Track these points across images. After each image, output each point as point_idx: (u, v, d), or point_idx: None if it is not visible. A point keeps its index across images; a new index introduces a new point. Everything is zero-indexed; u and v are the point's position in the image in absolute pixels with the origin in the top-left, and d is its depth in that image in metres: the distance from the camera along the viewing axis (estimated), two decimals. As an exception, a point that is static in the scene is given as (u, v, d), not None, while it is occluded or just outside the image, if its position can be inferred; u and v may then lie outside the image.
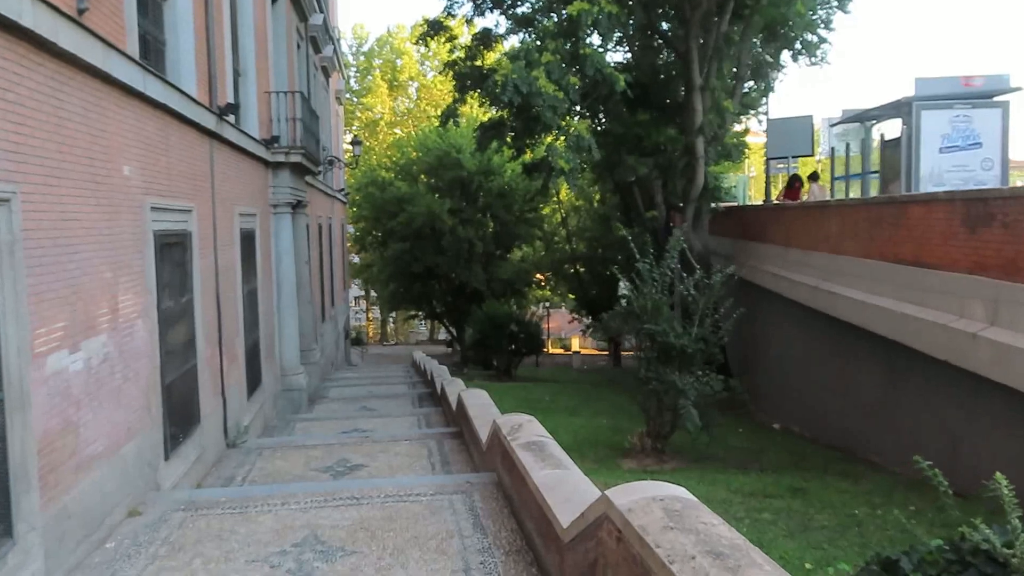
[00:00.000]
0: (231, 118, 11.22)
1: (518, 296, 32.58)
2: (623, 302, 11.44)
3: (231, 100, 11.31)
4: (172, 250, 8.74)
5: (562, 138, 17.50)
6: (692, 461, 10.85)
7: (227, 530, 6.48)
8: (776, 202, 21.03)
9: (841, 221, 14.12)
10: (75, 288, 6.10)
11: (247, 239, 12.75)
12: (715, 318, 11.26)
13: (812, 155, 26.18)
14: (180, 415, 8.61)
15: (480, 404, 10.38)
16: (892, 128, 16.96)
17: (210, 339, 10.00)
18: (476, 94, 20.18)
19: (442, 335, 44.84)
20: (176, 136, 8.86)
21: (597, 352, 37.50)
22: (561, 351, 38.14)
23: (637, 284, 11.46)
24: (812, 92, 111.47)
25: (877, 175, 17.58)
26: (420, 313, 38.72)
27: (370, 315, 52.43)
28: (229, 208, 11.44)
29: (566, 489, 5.50)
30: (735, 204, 25.93)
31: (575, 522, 4.70)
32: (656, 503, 3.88)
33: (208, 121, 10.00)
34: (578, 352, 33.52)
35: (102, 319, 6.61)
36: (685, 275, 11.40)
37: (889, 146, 16.78)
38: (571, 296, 37.42)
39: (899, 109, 15.81)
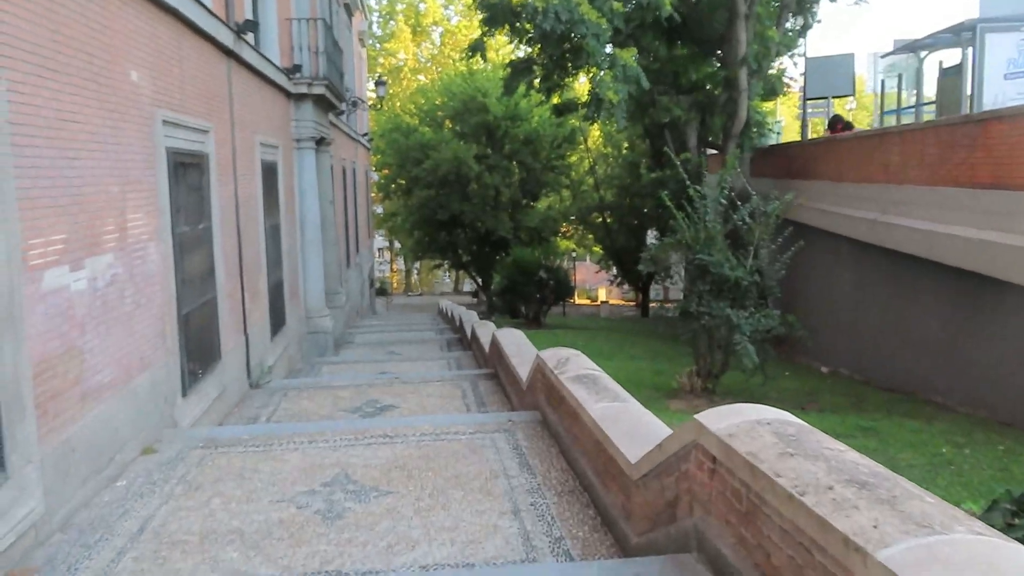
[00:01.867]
0: (250, 38, 10.41)
1: (545, 245, 31.74)
2: (683, 223, 10.46)
3: (249, 17, 10.49)
4: (188, 172, 8.04)
5: (608, 70, 16.40)
6: (746, 402, 10.03)
7: (249, 469, 5.86)
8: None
9: (903, 149, 13.08)
10: (76, 199, 5.42)
11: (269, 172, 12.04)
12: (772, 249, 10.41)
13: (852, 95, 24.94)
14: (199, 350, 7.99)
15: (516, 343, 9.68)
16: (949, 57, 15.84)
17: (230, 272, 9.35)
18: (505, 28, 19.11)
19: (467, 286, 44.25)
20: (190, 48, 8.09)
21: (624, 303, 36.68)
22: (588, 302, 37.35)
23: (688, 214, 10.59)
24: (849, 32, 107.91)
25: (932, 107, 16.46)
26: (445, 263, 38.03)
27: (394, 266, 51.88)
28: (249, 136, 10.71)
29: (628, 423, 4.80)
30: (776, 144, 24.76)
31: (648, 456, 4.00)
32: (762, 427, 3.16)
33: (225, 37, 9.20)
34: (605, 302, 32.71)
35: (109, 237, 5.94)
36: (739, 203, 10.50)
37: (947, 75, 15.66)
38: (596, 249, 36.52)
39: (959, 34, 14.64)
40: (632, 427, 4.71)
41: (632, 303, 35.98)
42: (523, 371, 8.14)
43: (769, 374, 10.46)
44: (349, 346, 16.97)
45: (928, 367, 11.71)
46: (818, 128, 27.31)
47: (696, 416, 3.42)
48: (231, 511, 5.04)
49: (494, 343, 10.44)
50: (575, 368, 6.23)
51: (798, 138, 26.83)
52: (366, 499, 5.19)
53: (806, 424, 3.32)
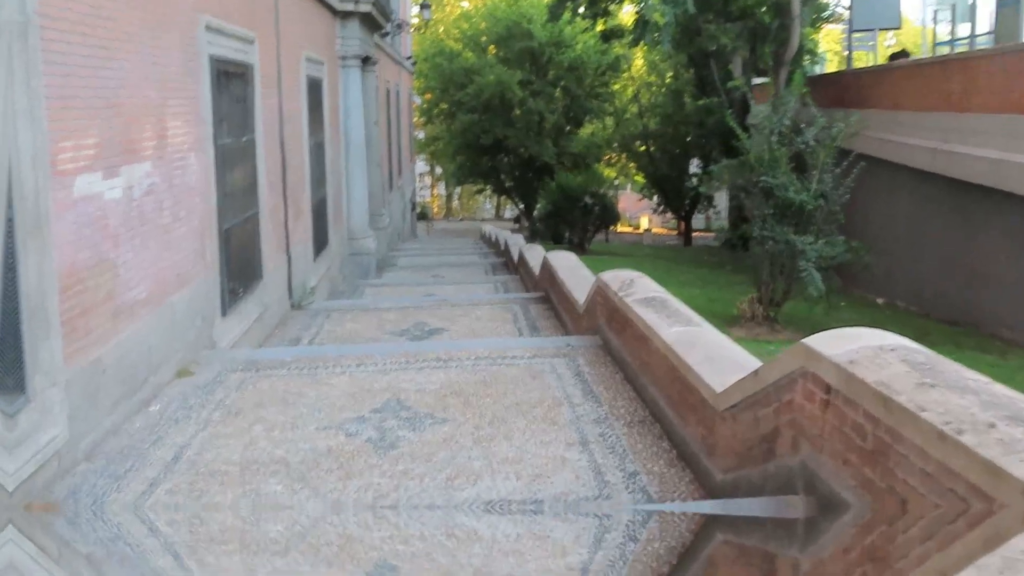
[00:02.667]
0: (290, -58, 9.63)
1: (589, 172, 30.76)
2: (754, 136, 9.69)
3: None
4: (231, 82, 7.44)
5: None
6: (808, 331, 9.35)
7: (293, 393, 5.41)
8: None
9: (966, 76, 12.20)
10: (111, 102, 4.86)
11: (314, 88, 11.40)
12: (836, 172, 9.62)
13: (899, 27, 23.50)
14: (240, 267, 7.52)
15: (569, 266, 9.07)
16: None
17: (273, 188, 8.81)
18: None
19: (508, 212, 43.49)
20: (230, -50, 7.39)
21: (667, 232, 35.69)
22: (630, 230, 36.37)
23: (752, 134, 9.80)
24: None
25: (986, 39, 15.40)
26: (487, 188, 37.24)
27: (435, 191, 51.19)
28: (295, 50, 10.05)
29: (707, 348, 4.22)
30: (827, 72, 23.55)
31: (738, 385, 3.42)
32: (889, 353, 2.59)
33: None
34: (649, 230, 31.78)
35: (146, 144, 5.40)
36: (803, 125, 9.74)
37: (1005, 4, 14.49)
38: (638, 178, 35.46)
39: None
40: (712, 353, 4.13)
41: (674, 232, 35.01)
42: (579, 294, 7.56)
43: (831, 303, 9.78)
44: (392, 269, 16.54)
45: (994, 301, 10.94)
46: (864, 61, 25.94)
47: (805, 341, 2.85)
48: (274, 439, 4.59)
49: (546, 266, 9.85)
50: (641, 291, 5.62)
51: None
52: (421, 427, 4.70)
53: (932, 351, 2.73)
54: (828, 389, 2.72)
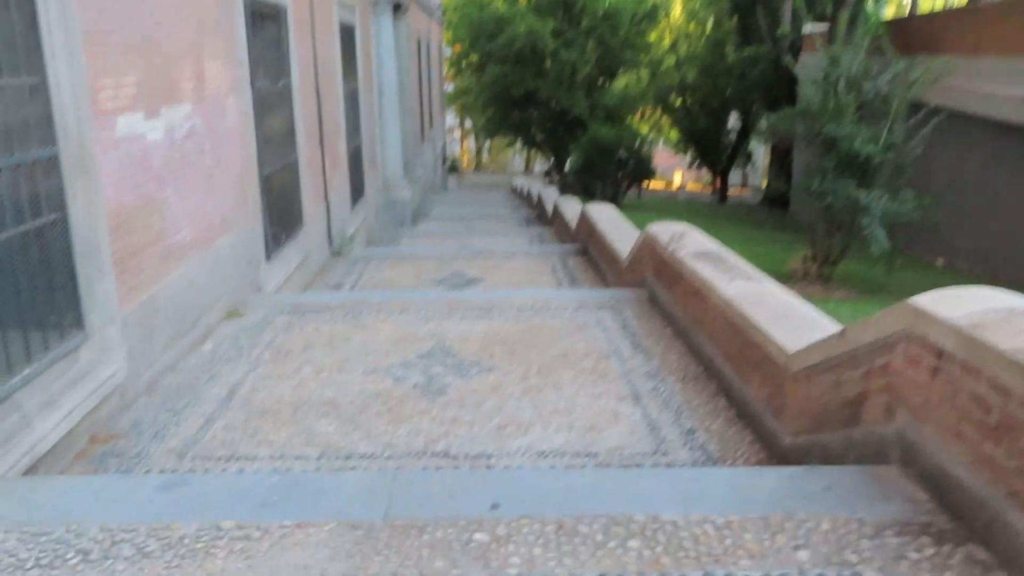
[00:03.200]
0: None
1: (622, 126, 30.20)
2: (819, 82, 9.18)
3: None
4: (266, 24, 7.31)
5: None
6: (864, 292, 9.17)
7: (339, 337, 5.40)
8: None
9: None
10: (149, 40, 4.77)
11: (347, 34, 11.20)
12: (907, 126, 9.19)
13: None
14: (281, 214, 7.49)
15: (610, 219, 8.94)
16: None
17: (310, 135, 8.73)
18: None
19: (538, 167, 43.09)
20: None
21: (701, 188, 35.11)
22: (662, 186, 35.82)
23: (804, 84, 9.41)
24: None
25: None
26: (517, 141, 36.81)
27: (464, 144, 50.81)
28: (327, -8, 9.85)
29: (774, 306, 4.08)
30: (894, 18, 22.46)
31: (820, 346, 3.26)
32: (1021, 317, 2.39)
33: None
34: (683, 186, 31.21)
35: (185, 85, 5.32)
36: (873, 72, 9.25)
37: None
38: (672, 135, 34.77)
39: None
40: (781, 311, 3.98)
41: (708, 189, 34.49)
42: (622, 247, 7.44)
43: (886, 264, 9.42)
44: (426, 219, 16.48)
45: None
46: (931, 6, 24.81)
47: (910, 300, 2.67)
48: (323, 381, 4.59)
49: (584, 219, 9.71)
50: (693, 244, 5.49)
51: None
52: (467, 374, 4.66)
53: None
54: (940, 355, 2.53)
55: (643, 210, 21.47)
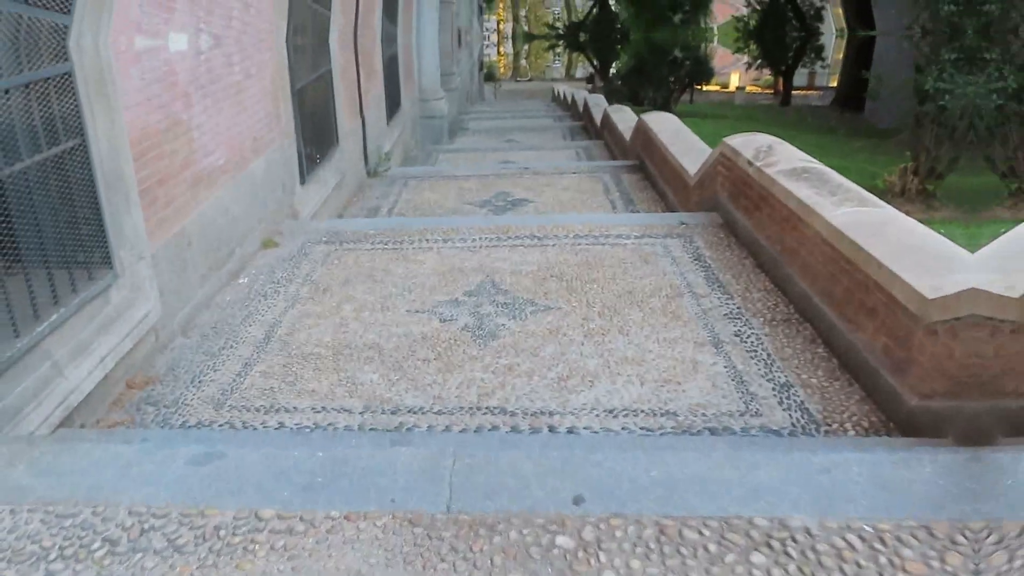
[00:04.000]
0: None
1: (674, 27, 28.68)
2: None
3: None
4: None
5: None
6: (970, 212, 8.36)
7: (380, 270, 5.07)
8: None
9: None
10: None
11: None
12: None
13: None
14: (315, 132, 7.08)
15: (671, 130, 8.34)
16: None
17: (344, 42, 8.20)
18: None
19: (580, 71, 41.61)
20: None
21: (760, 90, 33.48)
22: (717, 88, 34.19)
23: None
24: None
25: None
26: (559, 44, 35.43)
27: (501, 49, 49.18)
28: None
29: (895, 237, 3.44)
30: None
31: (978, 297, 2.73)
32: None
33: None
34: (741, 88, 29.67)
35: (207, -12, 4.86)
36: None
37: None
38: (732, 33, 32.98)
39: None
40: (907, 243, 3.36)
41: (769, 91, 32.92)
42: (687, 163, 6.91)
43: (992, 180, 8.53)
44: (463, 133, 15.92)
45: None
46: None
47: None
48: (364, 321, 4.27)
49: (640, 130, 9.13)
50: (785, 160, 4.96)
51: None
52: (521, 315, 4.31)
53: None
54: None
55: (700, 116, 20.55)
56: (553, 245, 5.41)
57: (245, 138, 5.32)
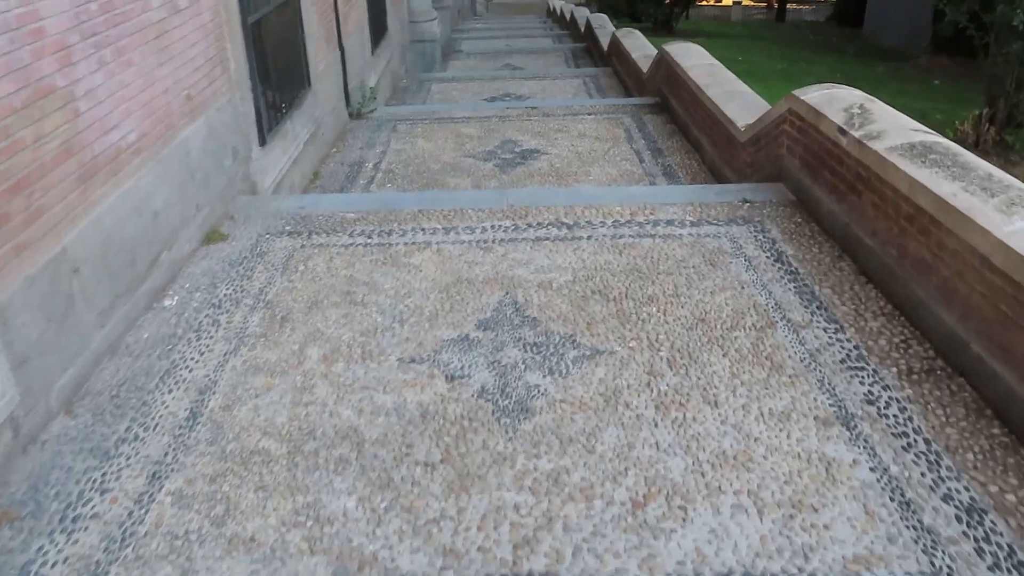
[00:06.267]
0: None
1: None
2: None
3: None
4: None
5: None
6: None
7: (361, 282, 3.62)
8: None
9: None
10: None
11: None
12: None
13: None
14: (280, 74, 5.47)
15: (702, 65, 6.74)
16: None
17: (314, -41, 6.47)
18: None
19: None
20: None
21: (754, 3, 31.00)
22: (709, 2, 31.64)
23: None
24: None
25: None
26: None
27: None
28: None
29: None
30: None
31: None
32: None
33: None
34: (739, 3, 27.33)
35: None
36: None
37: None
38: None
39: None
40: None
41: (762, 3, 30.56)
42: (732, 111, 5.40)
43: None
44: (457, 56, 14.07)
45: None
46: None
47: None
48: (337, 381, 2.86)
49: (663, 63, 7.50)
50: (894, 129, 3.49)
51: None
52: (561, 365, 2.90)
53: None
54: None
55: (703, 36, 18.60)
56: (588, 238, 3.96)
57: (172, 98, 3.77)
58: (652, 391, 2.74)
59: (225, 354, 3.05)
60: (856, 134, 3.54)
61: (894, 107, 4.06)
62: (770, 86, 10.23)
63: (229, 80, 4.51)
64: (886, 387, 2.69)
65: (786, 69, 12.82)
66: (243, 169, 4.66)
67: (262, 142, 4.96)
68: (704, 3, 28.70)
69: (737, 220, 4.06)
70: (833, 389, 2.70)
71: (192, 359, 3.02)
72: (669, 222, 4.07)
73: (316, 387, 2.83)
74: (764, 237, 3.85)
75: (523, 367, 2.91)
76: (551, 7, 22.39)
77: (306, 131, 5.90)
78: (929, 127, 3.77)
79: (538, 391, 2.76)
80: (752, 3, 30.66)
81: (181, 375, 2.92)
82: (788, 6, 26.53)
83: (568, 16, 17.59)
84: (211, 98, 4.23)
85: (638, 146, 6.49)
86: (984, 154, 6.84)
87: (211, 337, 3.17)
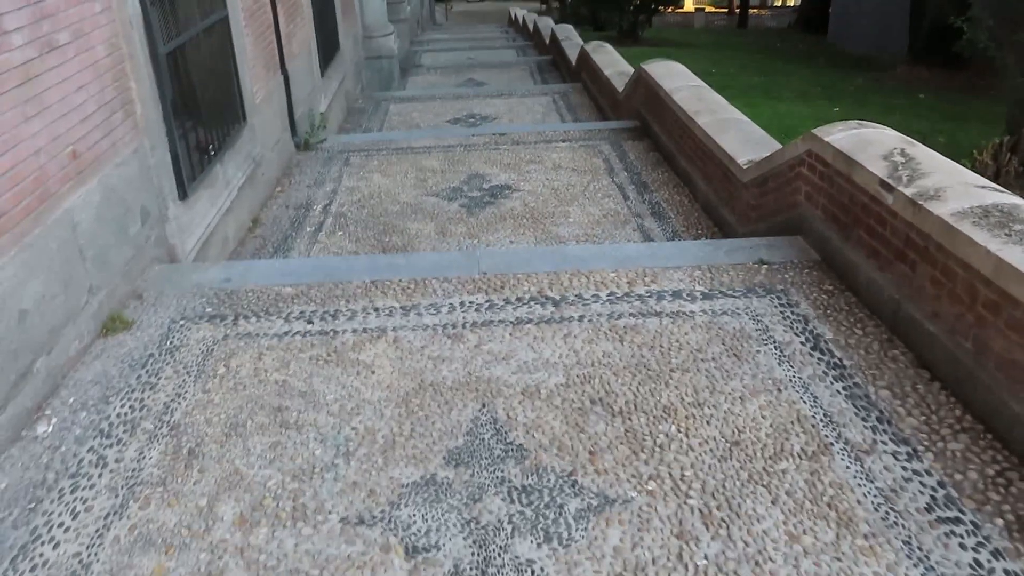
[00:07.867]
0: None
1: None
2: None
3: None
4: None
5: None
6: None
7: (296, 393, 2.82)
8: None
9: None
10: None
11: None
12: None
13: None
14: (207, 111, 4.65)
15: (686, 87, 6.07)
16: None
17: (248, -26, 5.66)
18: None
19: (532, -9, 38.12)
20: None
21: (715, 10, 30.67)
22: (670, 9, 31.12)
23: None
24: None
25: None
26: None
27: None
28: None
29: None
30: None
31: None
32: None
33: None
34: (701, 9, 26.83)
35: None
36: None
37: None
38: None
39: None
40: None
41: (723, 10, 30.30)
42: (729, 144, 4.73)
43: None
44: (417, 72, 13.28)
45: None
46: None
47: None
48: (258, 566, 2.10)
49: (642, 83, 6.83)
50: (954, 185, 2.81)
51: None
52: (560, 527, 2.17)
53: None
54: None
55: (669, 45, 18.09)
56: (580, 318, 3.22)
57: (47, 160, 2.95)
58: (687, 569, 2.01)
59: (107, 516, 2.25)
60: (907, 191, 2.86)
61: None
62: (752, 103, 9.64)
63: (135, 126, 3.69)
64: (996, 553, 2.00)
65: (764, 83, 12.26)
66: (156, 232, 3.84)
67: (183, 195, 4.14)
68: (666, 11, 28.33)
69: (756, 290, 3.36)
70: (927, 557, 2.00)
71: (61, 525, 2.22)
72: (676, 294, 3.35)
73: (227, 573, 2.05)
74: (793, 314, 3.15)
75: (509, 529, 2.16)
76: (512, 16, 21.74)
77: (241, 173, 5.09)
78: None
79: (532, 574, 2.01)
80: (713, 10, 30.35)
81: (41, 556, 2.12)
82: (748, 11, 26.30)
83: (531, 26, 16.93)
84: (108, 152, 3.41)
85: (620, 179, 5.80)
86: (1007, 186, 6.22)
87: (92, 486, 2.37)
